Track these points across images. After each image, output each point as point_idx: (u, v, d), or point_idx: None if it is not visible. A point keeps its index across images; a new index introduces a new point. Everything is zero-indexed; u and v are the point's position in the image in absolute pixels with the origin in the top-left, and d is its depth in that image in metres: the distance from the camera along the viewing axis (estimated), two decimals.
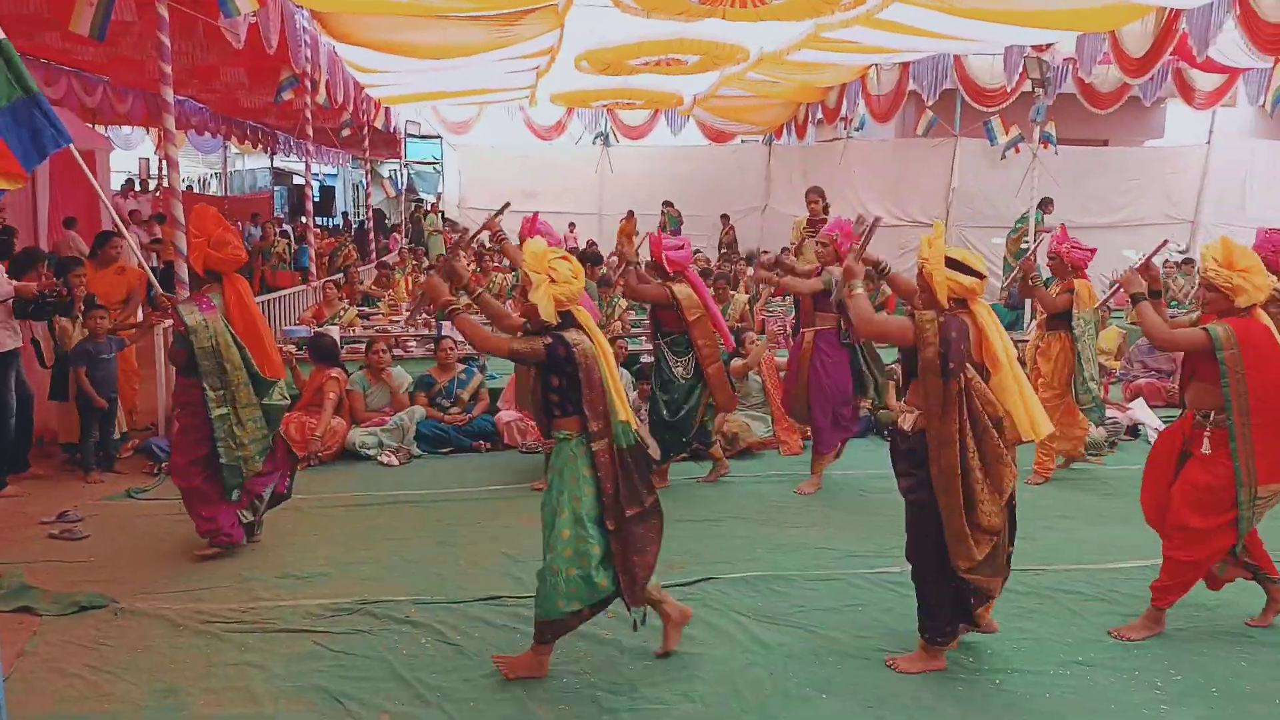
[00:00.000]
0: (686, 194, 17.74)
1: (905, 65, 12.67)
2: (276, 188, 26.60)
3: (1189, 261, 13.00)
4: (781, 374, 7.70)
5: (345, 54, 10.65)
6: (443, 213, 19.81)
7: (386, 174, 25.58)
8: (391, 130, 18.00)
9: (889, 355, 6.06)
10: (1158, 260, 4.51)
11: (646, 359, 7.56)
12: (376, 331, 9.46)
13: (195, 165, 26.78)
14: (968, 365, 3.49)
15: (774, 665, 3.74)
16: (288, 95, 10.62)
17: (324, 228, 21.23)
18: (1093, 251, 6.51)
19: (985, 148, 14.25)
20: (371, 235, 17.19)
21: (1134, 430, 7.68)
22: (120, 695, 3.51)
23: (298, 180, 25.62)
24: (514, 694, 3.52)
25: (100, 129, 14.52)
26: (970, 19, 9.09)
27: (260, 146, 19.82)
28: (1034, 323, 9.41)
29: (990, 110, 12.88)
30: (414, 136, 21.70)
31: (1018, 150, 13.31)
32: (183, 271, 6.37)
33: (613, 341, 5.56)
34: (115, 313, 6.80)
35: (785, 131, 18.19)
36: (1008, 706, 3.49)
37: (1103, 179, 15.10)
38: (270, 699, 3.48)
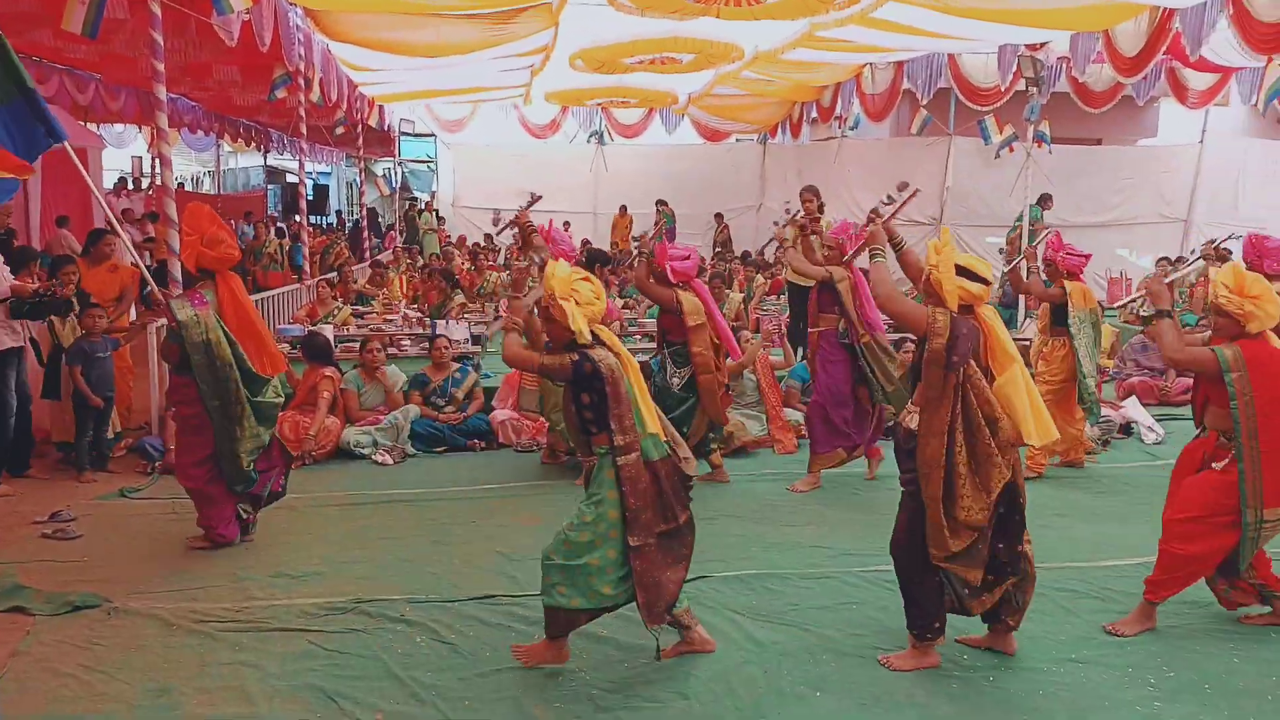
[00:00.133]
0: (681, 193, 17.75)
1: (900, 64, 12.69)
2: (270, 186, 26.52)
3: (1182, 260, 13.04)
4: (776, 373, 7.72)
5: (339, 52, 10.64)
6: (436, 211, 19.80)
7: (380, 172, 25.52)
8: (385, 128, 17.97)
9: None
10: (1192, 276, 4.58)
11: (642, 358, 7.57)
12: (370, 330, 9.45)
13: (188, 163, 26.71)
14: (971, 363, 3.51)
15: (768, 663, 3.74)
16: (281, 93, 10.58)
17: (318, 226, 21.16)
18: (1087, 257, 6.63)
19: (979, 146, 14.29)
20: (366, 234, 17.16)
21: (1127, 429, 7.71)
22: (114, 695, 3.50)
23: (291, 178, 25.59)
24: (509, 692, 3.52)
25: (93, 127, 14.47)
26: (964, 18, 9.11)
27: (254, 145, 19.77)
28: (1029, 322, 9.45)
29: (984, 109, 12.91)
30: (408, 135, 21.66)
31: (1012, 149, 13.35)
32: (176, 270, 6.36)
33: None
34: (110, 311, 6.78)
35: (780, 130, 18.21)
36: (1002, 704, 3.49)
37: (1096, 178, 15.16)
38: (264, 698, 3.48)
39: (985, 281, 3.62)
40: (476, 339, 9.19)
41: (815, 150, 17.62)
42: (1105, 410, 7.52)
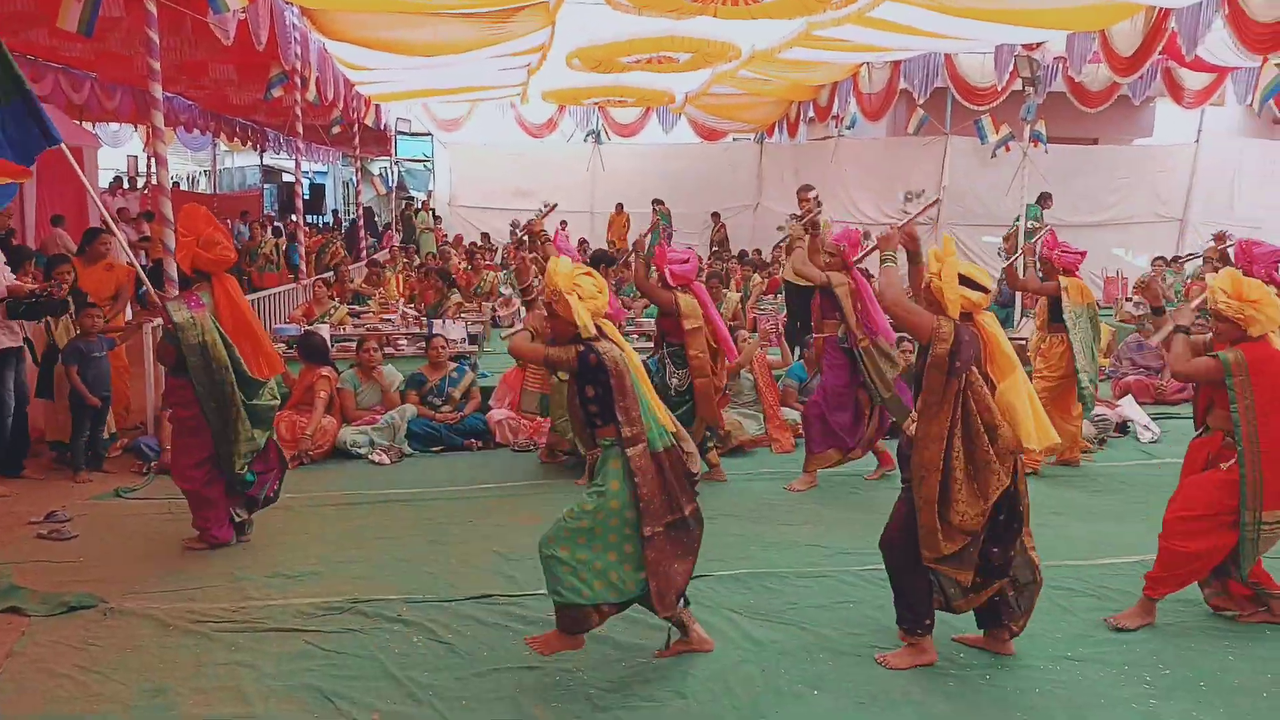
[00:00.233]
0: (678, 192, 17.75)
1: (896, 64, 12.70)
2: (266, 185, 26.46)
3: (1177, 259, 13.07)
4: (774, 372, 7.72)
5: (335, 51, 10.61)
6: (433, 210, 19.78)
7: (377, 171, 25.47)
8: (382, 127, 17.95)
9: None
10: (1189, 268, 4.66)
11: (640, 357, 7.57)
12: (367, 330, 9.44)
13: (184, 163, 26.64)
14: (974, 370, 3.53)
15: (766, 662, 3.74)
16: (277, 92, 10.58)
17: (314, 225, 21.13)
18: (1083, 254, 6.66)
19: (976, 146, 14.31)
20: (362, 233, 17.12)
21: (1123, 427, 7.72)
22: (110, 695, 3.49)
23: (287, 178, 25.54)
24: (507, 692, 3.52)
25: (88, 126, 14.44)
26: (961, 17, 9.12)
27: (250, 144, 19.73)
28: (1026, 321, 9.47)
29: (981, 109, 12.94)
30: (405, 134, 21.64)
31: (1008, 149, 13.37)
32: (172, 270, 6.35)
33: None
34: (106, 309, 6.77)
35: (777, 129, 18.22)
36: (998, 702, 3.50)
37: (1092, 177, 15.18)
38: (261, 698, 3.47)
39: (986, 290, 3.64)
40: (473, 338, 9.19)
41: (812, 150, 17.62)
42: (1101, 409, 7.54)
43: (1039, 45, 11.13)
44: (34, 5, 7.85)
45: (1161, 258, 12.89)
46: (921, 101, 13.29)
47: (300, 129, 11.71)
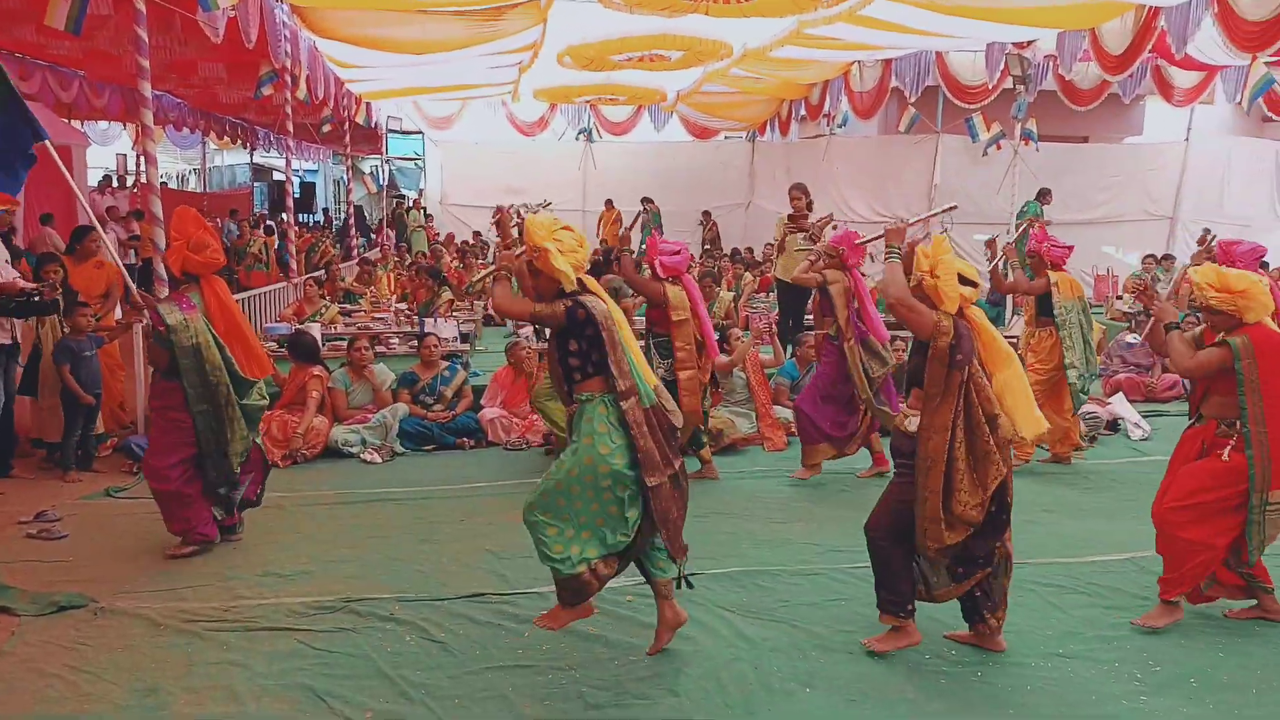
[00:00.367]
0: (669, 190, 17.73)
1: (887, 62, 12.72)
2: (256, 184, 26.39)
3: (1168, 257, 13.12)
4: (766, 370, 7.73)
5: (325, 48, 10.58)
6: (424, 208, 19.73)
7: (368, 170, 25.43)
8: (373, 125, 17.88)
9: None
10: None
11: None
12: (358, 329, 9.41)
13: (174, 161, 26.54)
14: (975, 361, 3.57)
15: (758, 660, 3.75)
16: (267, 90, 10.52)
17: (304, 224, 21.06)
18: (1070, 248, 6.69)
19: (967, 144, 14.33)
20: (353, 232, 17.06)
21: (1114, 425, 7.76)
22: (100, 695, 3.47)
23: (278, 176, 25.44)
24: (499, 690, 3.51)
25: (76, 124, 14.36)
26: (952, 16, 9.15)
27: (239, 142, 19.65)
28: (1017, 319, 9.50)
29: (972, 107, 12.95)
30: (395, 132, 21.56)
31: (999, 147, 13.40)
32: (161, 268, 6.32)
33: None
34: (96, 307, 6.73)
35: (768, 128, 18.22)
36: (990, 699, 3.51)
37: (1083, 176, 15.22)
38: (252, 698, 3.46)
39: (975, 284, 3.72)
40: (465, 337, 9.16)
41: (804, 148, 17.63)
42: (1092, 407, 7.58)
43: (1030, 44, 11.17)
44: (22, 2, 7.81)
45: (1152, 255, 12.94)
46: (913, 100, 13.31)
47: (290, 127, 11.66)
